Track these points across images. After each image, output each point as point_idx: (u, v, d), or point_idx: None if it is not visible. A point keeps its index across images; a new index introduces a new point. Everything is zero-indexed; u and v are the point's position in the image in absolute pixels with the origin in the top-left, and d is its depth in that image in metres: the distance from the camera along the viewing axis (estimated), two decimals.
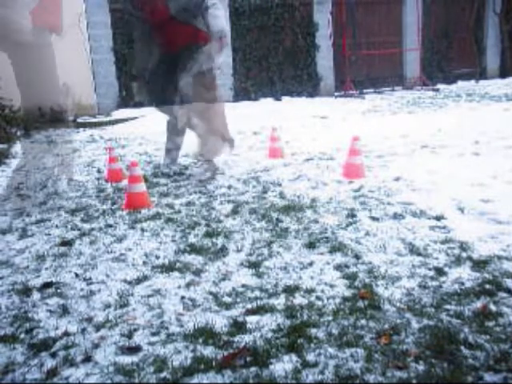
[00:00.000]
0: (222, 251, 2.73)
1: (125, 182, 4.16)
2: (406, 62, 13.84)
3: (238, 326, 1.93)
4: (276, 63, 12.48)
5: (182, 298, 2.21)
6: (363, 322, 1.92)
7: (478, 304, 2.00)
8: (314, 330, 1.87)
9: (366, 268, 2.41)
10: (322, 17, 12.67)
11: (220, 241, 2.88)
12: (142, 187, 3.66)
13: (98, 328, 1.99)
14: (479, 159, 4.58)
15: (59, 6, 3.58)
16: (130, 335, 1.92)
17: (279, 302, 2.12)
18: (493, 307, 1.97)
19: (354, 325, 1.89)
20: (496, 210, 3.12)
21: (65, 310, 2.15)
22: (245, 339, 1.84)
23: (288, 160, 5.07)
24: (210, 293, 2.25)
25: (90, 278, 2.47)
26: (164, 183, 4.39)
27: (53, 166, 4.74)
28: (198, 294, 2.24)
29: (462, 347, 1.72)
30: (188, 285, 2.34)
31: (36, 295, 2.32)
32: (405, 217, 3.11)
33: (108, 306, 2.18)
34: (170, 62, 4.33)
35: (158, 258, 2.69)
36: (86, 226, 3.29)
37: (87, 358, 1.78)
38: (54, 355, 1.81)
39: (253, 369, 1.66)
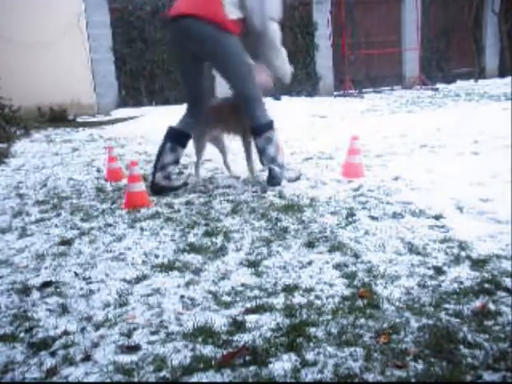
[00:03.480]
0: (222, 250, 2.73)
1: (124, 182, 4.16)
2: (405, 61, 13.84)
3: (238, 325, 1.93)
4: None
5: (182, 297, 2.21)
6: (362, 321, 1.92)
7: (477, 303, 2.01)
8: (313, 329, 1.87)
9: (366, 267, 2.41)
10: (321, 16, 12.68)
11: (219, 240, 2.88)
12: (141, 186, 3.67)
13: (97, 327, 1.99)
14: (478, 158, 4.59)
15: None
16: (129, 334, 1.92)
17: (278, 301, 2.12)
18: (492, 306, 1.97)
19: (353, 324, 1.90)
20: (495, 209, 3.12)
21: (64, 309, 2.15)
22: (244, 338, 1.84)
23: (287, 159, 5.06)
24: (210, 292, 2.25)
25: (90, 277, 2.48)
26: None
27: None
28: (198, 293, 2.24)
29: (461, 346, 1.72)
30: (187, 284, 2.34)
31: (35, 294, 2.32)
32: (404, 216, 3.11)
33: (107, 305, 2.18)
34: None
35: (157, 257, 2.69)
36: (86, 226, 3.29)
37: (87, 357, 1.78)
38: (53, 354, 1.82)
39: (252, 368, 1.66)
